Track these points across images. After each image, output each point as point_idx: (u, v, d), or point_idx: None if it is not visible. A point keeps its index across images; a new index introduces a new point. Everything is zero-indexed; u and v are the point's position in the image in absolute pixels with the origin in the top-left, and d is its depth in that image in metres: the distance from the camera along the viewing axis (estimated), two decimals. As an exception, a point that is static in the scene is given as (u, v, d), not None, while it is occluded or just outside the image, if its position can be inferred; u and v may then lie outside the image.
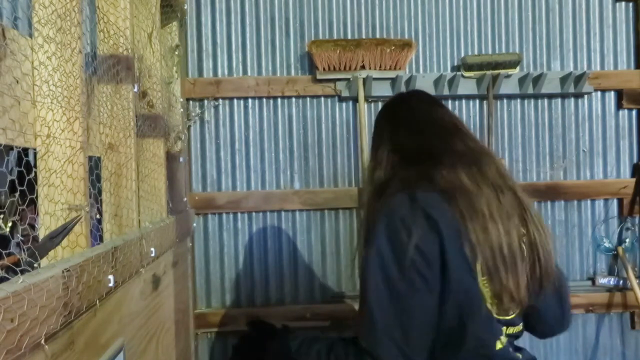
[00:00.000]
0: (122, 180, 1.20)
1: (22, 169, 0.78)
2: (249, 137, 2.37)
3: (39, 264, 0.76)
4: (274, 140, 2.39)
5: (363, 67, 2.29)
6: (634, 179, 2.46)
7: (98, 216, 1.14)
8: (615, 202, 2.48)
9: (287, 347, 1.20)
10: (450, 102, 2.43)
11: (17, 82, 0.77)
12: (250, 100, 2.37)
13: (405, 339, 0.99)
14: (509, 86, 2.37)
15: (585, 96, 2.47)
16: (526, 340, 2.45)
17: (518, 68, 2.35)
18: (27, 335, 0.63)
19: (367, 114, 2.36)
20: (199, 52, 2.36)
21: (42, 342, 0.68)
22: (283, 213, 2.38)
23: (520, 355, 1.14)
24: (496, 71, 2.31)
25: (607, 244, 2.45)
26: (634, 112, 2.50)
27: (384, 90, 2.33)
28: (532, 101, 2.46)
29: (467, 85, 2.35)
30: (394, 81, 2.32)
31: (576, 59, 2.48)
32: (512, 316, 1.08)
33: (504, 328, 1.07)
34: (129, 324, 1.11)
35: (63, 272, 0.74)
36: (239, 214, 2.37)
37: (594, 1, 2.48)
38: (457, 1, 2.44)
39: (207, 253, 2.36)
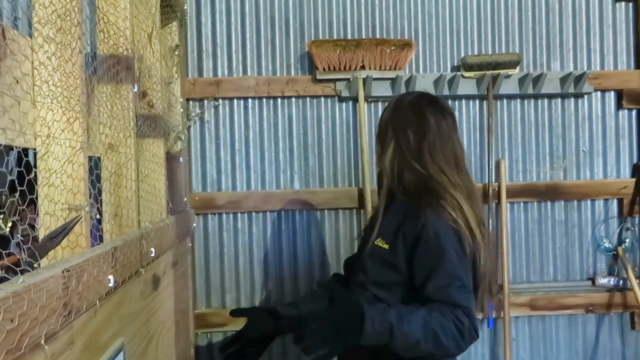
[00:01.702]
0: (122, 180, 1.20)
1: (22, 169, 0.78)
2: (249, 137, 2.37)
3: (39, 264, 0.76)
4: (274, 140, 2.38)
5: (363, 67, 2.28)
6: (634, 179, 2.46)
7: (98, 216, 1.14)
8: (615, 202, 2.48)
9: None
10: (450, 102, 2.42)
11: (17, 82, 0.77)
12: (250, 101, 2.37)
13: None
14: (509, 86, 2.37)
15: (585, 96, 2.47)
16: (526, 340, 2.45)
17: (518, 68, 2.35)
18: (27, 335, 0.63)
19: (367, 114, 2.36)
20: (199, 52, 2.35)
21: (42, 342, 0.68)
22: (283, 213, 2.38)
23: None
24: (496, 71, 2.31)
25: (607, 244, 2.45)
26: (634, 112, 2.50)
27: (384, 90, 2.33)
28: (532, 101, 2.46)
29: (467, 85, 2.35)
30: (394, 81, 2.32)
31: (576, 59, 2.48)
32: None
33: None
34: (129, 324, 1.11)
35: (63, 272, 0.74)
36: (239, 214, 2.37)
37: (594, 1, 2.48)
38: (457, 1, 2.44)
39: (207, 253, 2.36)
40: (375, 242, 1.34)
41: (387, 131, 1.38)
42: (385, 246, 1.32)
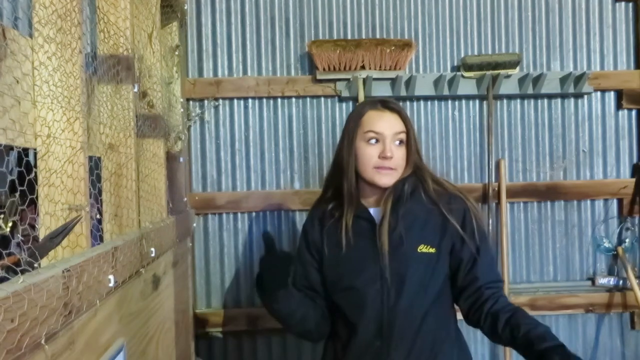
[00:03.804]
0: (122, 180, 1.20)
1: (22, 169, 0.78)
2: (249, 137, 2.37)
3: (39, 264, 0.76)
4: (274, 140, 2.39)
5: (363, 67, 2.29)
6: (633, 179, 2.46)
7: (98, 216, 1.14)
8: (615, 202, 2.48)
9: None
10: (450, 102, 2.43)
11: (18, 82, 0.77)
12: (250, 101, 2.37)
13: None
14: (508, 86, 2.37)
15: (585, 96, 2.47)
16: (526, 340, 2.45)
17: (518, 68, 2.35)
18: (27, 335, 0.63)
19: (367, 114, 2.35)
20: (199, 52, 2.36)
21: (42, 342, 0.68)
22: (283, 213, 2.38)
23: None
24: (496, 71, 2.31)
25: (607, 244, 2.45)
26: (633, 112, 2.50)
27: (384, 90, 2.33)
28: (532, 101, 2.46)
29: (467, 85, 2.35)
30: (394, 81, 2.32)
31: (576, 59, 2.48)
32: None
33: None
34: (129, 324, 1.11)
35: (63, 272, 0.74)
36: (239, 214, 2.37)
37: (594, 1, 2.48)
38: (457, 1, 2.44)
39: (207, 253, 2.36)
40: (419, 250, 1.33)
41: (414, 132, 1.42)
42: (432, 250, 1.33)
